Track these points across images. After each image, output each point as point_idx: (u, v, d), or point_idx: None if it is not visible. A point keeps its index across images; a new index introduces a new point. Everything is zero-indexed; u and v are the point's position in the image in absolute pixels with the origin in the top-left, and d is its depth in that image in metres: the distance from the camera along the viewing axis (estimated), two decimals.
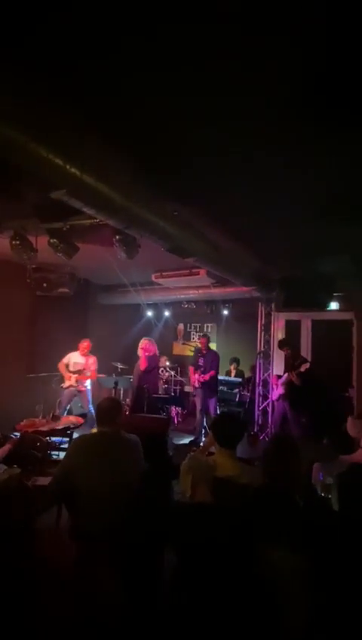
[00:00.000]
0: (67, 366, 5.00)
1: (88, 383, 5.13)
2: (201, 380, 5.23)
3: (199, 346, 5.57)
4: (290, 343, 5.23)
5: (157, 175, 2.43)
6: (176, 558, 1.61)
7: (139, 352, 5.04)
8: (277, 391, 5.09)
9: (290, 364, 4.98)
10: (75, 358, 5.04)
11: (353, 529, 1.55)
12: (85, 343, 5.05)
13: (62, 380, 5.03)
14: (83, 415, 4.63)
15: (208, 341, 5.48)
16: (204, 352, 5.34)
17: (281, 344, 5.30)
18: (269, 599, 1.32)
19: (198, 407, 5.36)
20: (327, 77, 1.54)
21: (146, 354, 5.00)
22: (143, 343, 5.07)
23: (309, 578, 1.33)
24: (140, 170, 2.35)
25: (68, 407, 4.98)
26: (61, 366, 5.00)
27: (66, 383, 4.98)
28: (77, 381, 4.96)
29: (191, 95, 1.72)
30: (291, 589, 1.33)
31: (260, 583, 1.36)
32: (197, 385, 5.32)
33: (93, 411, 5.04)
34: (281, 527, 1.47)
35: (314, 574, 1.33)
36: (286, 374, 4.98)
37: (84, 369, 4.98)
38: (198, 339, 5.91)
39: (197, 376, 5.29)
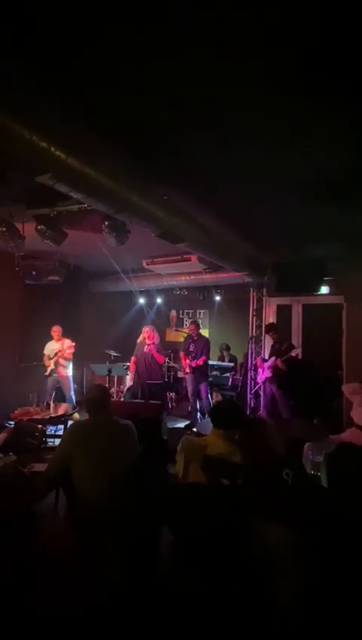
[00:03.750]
0: (49, 356, 5.11)
1: (70, 370, 5.19)
2: (193, 365, 5.32)
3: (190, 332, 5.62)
4: (276, 328, 5.32)
5: (147, 159, 2.38)
6: (173, 537, 1.67)
7: (145, 340, 5.08)
8: (263, 374, 5.18)
9: (276, 349, 5.06)
10: (51, 346, 5.14)
11: (341, 504, 1.62)
12: (55, 329, 5.14)
13: (44, 369, 5.11)
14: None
15: (198, 327, 5.55)
16: (195, 338, 5.41)
17: (268, 329, 5.37)
18: (262, 573, 1.38)
19: (190, 392, 5.47)
20: (316, 51, 1.50)
21: (151, 342, 5.04)
22: (147, 331, 5.11)
23: (300, 551, 1.39)
24: (129, 153, 2.30)
25: (52, 396, 5.05)
26: (45, 359, 5.13)
27: (47, 370, 5.07)
28: (55, 363, 5.05)
29: (181, 76, 1.67)
30: (283, 562, 1.38)
31: (253, 558, 1.42)
32: (188, 370, 5.41)
33: (73, 398, 5.16)
34: (271, 503, 1.52)
35: (305, 548, 1.39)
36: (272, 358, 5.06)
37: (57, 353, 5.08)
38: (189, 325, 5.96)
39: (188, 361, 5.37)
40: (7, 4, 1.33)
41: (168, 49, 1.52)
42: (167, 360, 6.84)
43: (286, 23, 1.37)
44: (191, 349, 5.37)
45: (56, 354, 5.07)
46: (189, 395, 5.50)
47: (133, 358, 5.33)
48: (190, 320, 7.88)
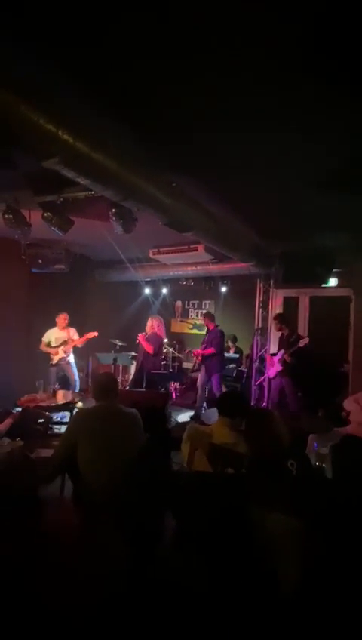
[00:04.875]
0: (49, 344, 5.05)
1: (72, 358, 5.20)
2: (195, 353, 5.37)
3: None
4: (286, 321, 5.23)
5: (156, 145, 2.33)
6: (176, 523, 1.69)
7: (146, 331, 5.07)
8: (274, 368, 5.14)
9: (285, 342, 5.01)
10: (55, 334, 5.08)
11: (345, 495, 1.62)
12: (63, 317, 5.09)
13: (49, 358, 5.08)
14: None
15: (210, 319, 5.50)
16: (210, 329, 5.42)
17: (277, 320, 5.27)
18: (264, 560, 1.39)
19: (199, 382, 5.48)
20: (330, 38, 1.44)
21: (149, 331, 5.03)
22: (149, 323, 5.09)
23: (301, 539, 1.39)
24: (137, 139, 2.25)
25: (57, 384, 5.06)
26: (42, 346, 5.06)
27: (55, 359, 5.05)
28: (65, 352, 5.04)
29: (190, 60, 1.62)
30: (284, 549, 1.39)
31: (255, 545, 1.43)
32: (197, 360, 5.45)
33: (78, 383, 5.19)
34: (274, 492, 1.52)
35: (306, 536, 1.40)
36: (281, 352, 5.02)
37: (67, 341, 5.05)
38: (203, 318, 5.97)
39: (197, 351, 5.42)
40: None
41: (179, 33, 1.46)
42: (171, 350, 6.85)
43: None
44: (205, 340, 5.40)
45: (64, 342, 5.04)
46: (198, 385, 5.52)
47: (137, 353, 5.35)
48: (196, 310, 7.87)
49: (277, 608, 1.31)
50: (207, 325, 5.52)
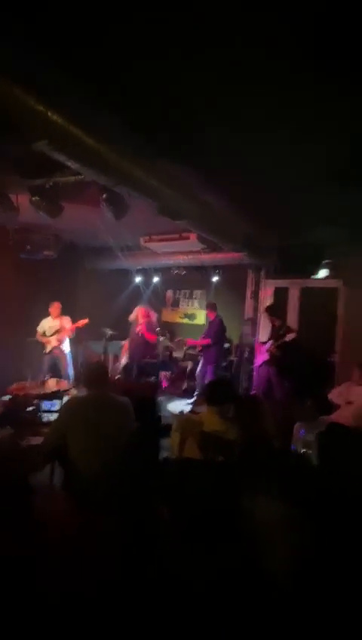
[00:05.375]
0: (44, 333, 5.05)
1: (67, 347, 5.17)
2: (188, 343, 5.52)
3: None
4: (275, 311, 5.31)
5: (149, 130, 2.27)
6: (167, 510, 1.72)
7: (137, 319, 5.06)
8: (260, 357, 5.22)
9: (274, 333, 5.08)
10: (49, 323, 5.07)
11: (330, 479, 1.67)
12: (56, 305, 5.08)
13: (43, 347, 5.06)
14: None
15: (211, 309, 5.55)
16: (211, 319, 5.51)
17: (267, 310, 5.35)
18: (255, 547, 1.43)
19: (198, 372, 5.58)
20: (331, 26, 1.41)
21: (144, 321, 5.04)
22: (141, 311, 5.09)
23: (291, 526, 1.44)
24: (130, 124, 2.19)
25: (49, 373, 5.04)
26: (38, 336, 5.06)
27: (48, 348, 5.03)
28: (58, 341, 5.03)
29: (185, 45, 1.57)
30: (274, 536, 1.43)
31: (246, 531, 1.46)
32: (196, 349, 5.58)
33: (71, 375, 5.16)
34: (264, 478, 1.56)
35: (296, 522, 1.44)
36: (270, 341, 5.09)
37: (59, 329, 5.03)
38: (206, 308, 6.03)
39: (192, 340, 5.56)
40: None
41: (173, 21, 1.41)
42: (162, 339, 6.86)
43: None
44: (205, 330, 5.48)
45: (57, 331, 5.01)
46: (196, 374, 5.63)
47: (125, 342, 5.36)
48: (186, 300, 7.87)
49: (272, 597, 1.34)
50: (208, 315, 5.58)
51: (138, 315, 5.15)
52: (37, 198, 3.04)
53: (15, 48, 1.54)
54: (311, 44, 1.51)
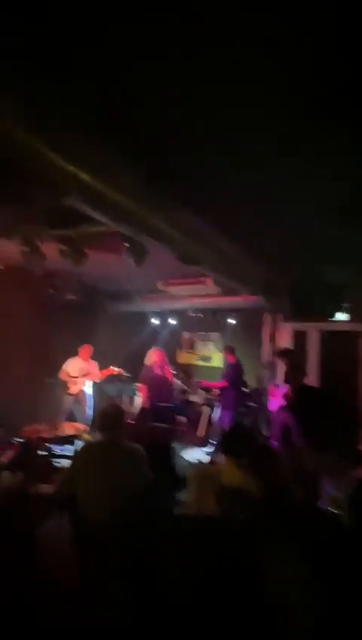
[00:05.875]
0: (69, 373, 5.04)
1: (89, 388, 5.15)
2: (208, 385, 5.36)
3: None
4: (289, 354, 5.18)
5: (168, 181, 2.45)
6: (180, 568, 1.56)
7: (153, 363, 5.04)
8: (276, 402, 5.01)
9: (289, 377, 4.92)
10: (78, 364, 5.07)
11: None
12: (87, 348, 5.12)
13: (65, 387, 5.03)
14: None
15: (230, 352, 5.49)
16: (230, 362, 5.42)
17: (280, 354, 5.24)
18: (274, 609, 1.28)
19: (216, 417, 5.39)
20: (340, 69, 1.52)
21: (159, 364, 5.01)
22: (156, 354, 5.09)
23: (312, 588, 1.28)
24: (151, 176, 2.37)
25: (68, 414, 4.98)
26: (63, 375, 5.04)
27: (74, 389, 4.98)
28: (84, 384, 5.02)
29: (202, 100, 1.74)
30: (296, 601, 1.28)
31: (265, 594, 1.31)
32: (212, 393, 5.46)
33: (90, 418, 5.05)
34: (287, 539, 1.42)
35: (320, 587, 1.28)
36: (286, 385, 4.91)
37: (88, 373, 5.03)
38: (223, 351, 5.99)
39: (209, 382, 5.42)
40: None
41: (199, 73, 1.57)
42: (180, 383, 6.74)
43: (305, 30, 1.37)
44: (223, 373, 5.39)
45: (85, 375, 5.03)
46: (214, 420, 5.46)
47: (141, 385, 5.28)
48: (202, 342, 7.84)
49: None
50: (227, 359, 5.50)
51: (155, 357, 5.13)
52: (63, 246, 3.25)
53: (44, 106, 1.69)
54: (320, 81, 1.61)
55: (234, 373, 5.25)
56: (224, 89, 1.67)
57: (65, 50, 1.52)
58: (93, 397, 5.29)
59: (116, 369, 5.07)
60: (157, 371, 5.05)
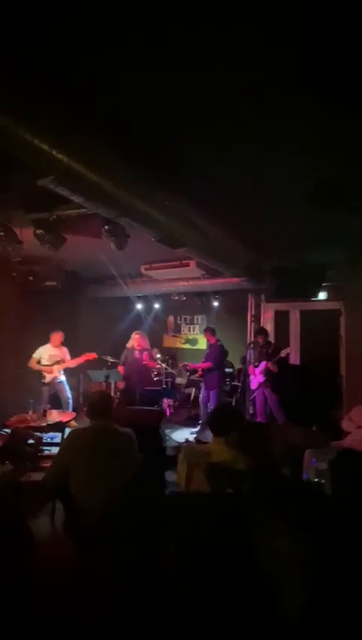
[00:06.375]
0: (39, 361, 4.89)
1: (63, 377, 5.09)
2: (190, 367, 5.47)
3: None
4: (266, 333, 5.35)
5: (148, 163, 2.38)
6: (174, 547, 1.62)
7: (134, 346, 5.06)
8: (256, 379, 5.16)
9: (265, 353, 5.07)
10: (48, 351, 4.94)
11: (348, 512, 1.59)
12: (58, 334, 5.01)
13: (41, 376, 4.92)
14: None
15: (211, 333, 5.57)
16: (211, 343, 5.51)
17: (256, 333, 5.42)
18: (267, 584, 1.34)
19: (201, 398, 5.50)
20: (318, 53, 1.50)
21: (139, 348, 5.04)
22: (136, 338, 5.11)
23: (307, 563, 1.35)
24: (130, 157, 2.29)
25: (49, 403, 4.93)
26: (32, 363, 4.86)
27: (48, 377, 4.90)
28: (59, 371, 4.94)
29: (183, 83, 1.68)
30: (289, 573, 1.35)
31: (257, 568, 1.37)
32: (198, 375, 5.54)
33: (71, 402, 5.05)
34: (277, 512, 1.48)
35: (312, 559, 1.36)
36: (263, 363, 5.06)
37: (61, 360, 4.94)
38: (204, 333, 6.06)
39: (193, 364, 5.51)
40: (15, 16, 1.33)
41: (172, 60, 1.52)
42: (164, 366, 6.80)
43: (285, 25, 1.37)
44: (205, 354, 5.47)
45: (58, 361, 4.92)
46: (200, 401, 5.55)
47: (121, 367, 5.30)
48: (188, 325, 7.88)
49: (283, 634, 1.26)
50: (208, 339, 5.58)
51: (135, 342, 5.15)
52: (41, 231, 3.13)
53: (20, 88, 1.62)
54: (305, 71, 1.59)
55: (216, 354, 5.34)
56: (197, 75, 1.61)
57: (37, 28, 1.42)
58: (77, 383, 5.28)
59: (93, 354, 5.00)
60: (137, 355, 5.10)
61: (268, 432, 1.78)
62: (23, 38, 1.47)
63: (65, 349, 5.06)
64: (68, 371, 5.21)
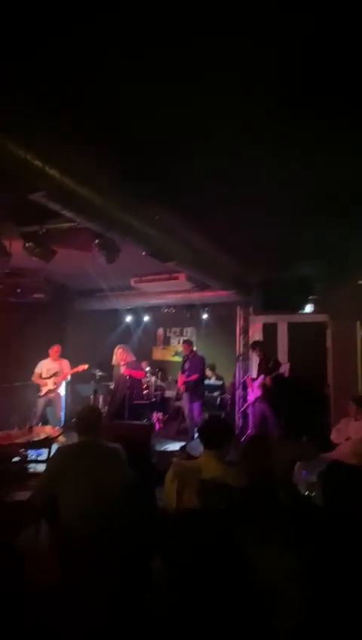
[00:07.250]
0: (40, 375, 4.93)
1: (63, 389, 5.04)
2: (185, 380, 5.32)
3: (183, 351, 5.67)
4: (262, 346, 5.36)
5: (138, 179, 2.42)
6: (164, 566, 1.58)
7: (118, 361, 5.03)
8: (253, 393, 5.16)
9: (263, 367, 5.08)
10: (47, 365, 4.97)
11: (339, 525, 1.59)
12: (56, 348, 5.03)
13: (38, 389, 4.90)
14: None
15: (191, 346, 5.58)
16: (190, 356, 5.46)
17: (253, 346, 5.43)
18: (260, 601, 1.32)
19: (185, 411, 5.41)
20: (309, 72, 1.57)
21: (123, 362, 5.01)
22: (119, 352, 5.08)
23: (299, 578, 1.34)
24: (121, 173, 2.33)
25: (41, 417, 4.87)
26: (36, 377, 4.92)
27: (43, 390, 4.87)
28: (54, 384, 4.90)
29: (172, 101, 1.74)
30: (282, 590, 1.33)
31: (251, 586, 1.35)
32: (181, 389, 5.41)
33: (63, 420, 5.00)
34: (269, 528, 1.47)
35: (304, 574, 1.34)
36: (261, 376, 5.07)
37: (58, 372, 4.93)
38: (181, 344, 6.00)
39: (183, 378, 5.39)
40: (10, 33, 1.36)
41: (165, 73, 1.58)
42: (154, 379, 6.74)
43: (282, 44, 1.43)
44: (186, 367, 5.40)
45: (55, 374, 4.90)
46: (186, 415, 5.46)
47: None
48: (177, 338, 7.87)
49: None
50: (184, 350, 5.57)
51: (118, 356, 5.14)
52: (30, 244, 3.12)
53: (11, 104, 1.64)
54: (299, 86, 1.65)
55: (200, 365, 5.36)
56: (193, 86, 1.67)
57: (31, 42, 1.46)
58: (66, 398, 5.19)
59: (85, 365, 4.99)
60: (123, 370, 5.07)
61: (269, 446, 1.78)
62: (13, 53, 1.50)
63: (64, 362, 5.05)
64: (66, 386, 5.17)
